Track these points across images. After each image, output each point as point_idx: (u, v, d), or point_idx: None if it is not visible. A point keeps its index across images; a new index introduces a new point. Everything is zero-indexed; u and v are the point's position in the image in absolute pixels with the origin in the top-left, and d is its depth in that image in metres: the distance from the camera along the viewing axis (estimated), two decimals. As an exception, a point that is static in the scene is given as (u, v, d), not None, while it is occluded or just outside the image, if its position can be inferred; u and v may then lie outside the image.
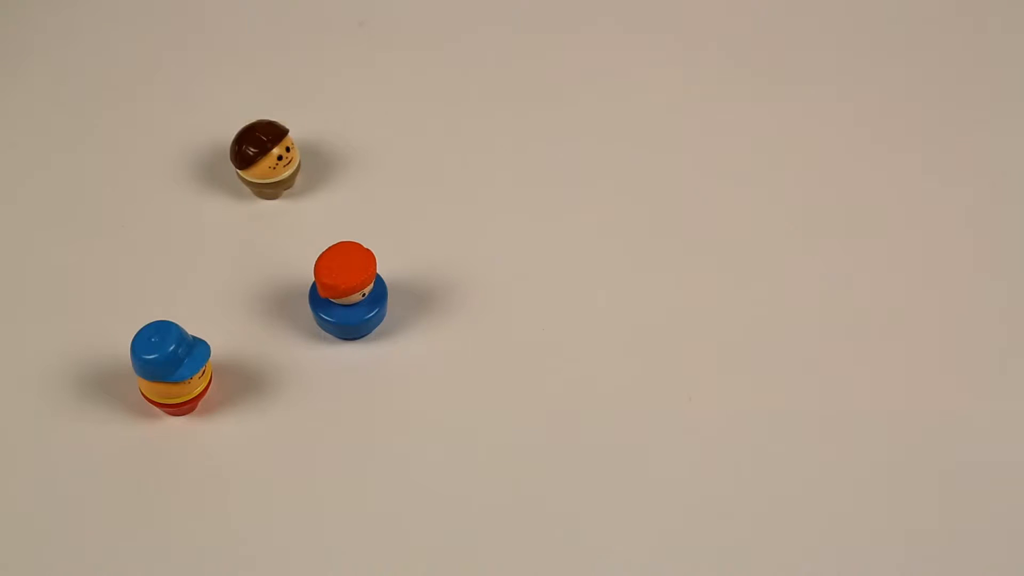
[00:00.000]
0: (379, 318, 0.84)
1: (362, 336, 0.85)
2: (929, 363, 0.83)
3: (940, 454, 0.79)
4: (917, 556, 0.76)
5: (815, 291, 0.87)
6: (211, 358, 0.79)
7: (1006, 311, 0.86)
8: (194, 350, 0.78)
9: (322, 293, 0.82)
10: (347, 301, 0.82)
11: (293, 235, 0.91)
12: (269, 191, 0.92)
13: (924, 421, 0.81)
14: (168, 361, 0.77)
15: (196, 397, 0.79)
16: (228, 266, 0.89)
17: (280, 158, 0.90)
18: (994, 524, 0.77)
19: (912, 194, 0.92)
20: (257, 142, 0.89)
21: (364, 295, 0.82)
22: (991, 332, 0.85)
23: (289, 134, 0.90)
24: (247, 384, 0.83)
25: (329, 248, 0.82)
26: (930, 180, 0.93)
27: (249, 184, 0.91)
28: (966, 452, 0.80)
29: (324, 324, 0.84)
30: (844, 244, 0.89)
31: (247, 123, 0.90)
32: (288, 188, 0.93)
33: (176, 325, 0.78)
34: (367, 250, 0.82)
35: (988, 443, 0.80)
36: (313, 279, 0.83)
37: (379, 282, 0.84)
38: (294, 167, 0.91)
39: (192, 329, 0.79)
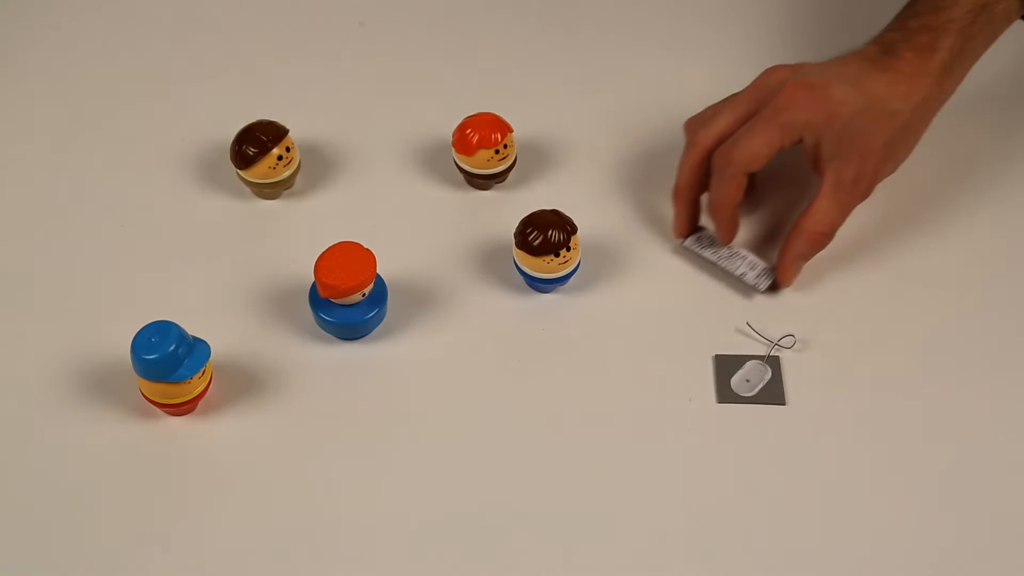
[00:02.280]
0: (379, 318, 0.84)
1: (362, 336, 0.85)
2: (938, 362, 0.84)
3: (945, 453, 0.80)
4: (920, 557, 0.76)
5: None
6: (211, 358, 0.79)
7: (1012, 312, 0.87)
8: (194, 350, 0.78)
9: (322, 293, 0.82)
10: (347, 301, 0.82)
11: (293, 235, 0.91)
12: (269, 191, 0.92)
13: (929, 419, 0.81)
14: (168, 361, 0.77)
15: (196, 397, 0.79)
16: (228, 266, 0.89)
17: (280, 158, 0.90)
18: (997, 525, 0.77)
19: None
20: (257, 142, 0.89)
21: (364, 295, 0.82)
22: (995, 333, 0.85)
23: (289, 134, 0.90)
24: (247, 384, 0.82)
25: (329, 248, 0.82)
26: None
27: (249, 184, 0.91)
28: (969, 451, 0.80)
29: (324, 324, 0.84)
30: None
31: (247, 123, 0.90)
32: (288, 188, 0.93)
33: (176, 325, 0.78)
34: (367, 250, 0.82)
35: (989, 443, 0.80)
36: (313, 279, 0.83)
37: (379, 282, 0.84)
38: (294, 167, 0.91)
39: (192, 329, 0.79)
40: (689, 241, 0.87)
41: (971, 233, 0.90)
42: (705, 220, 0.88)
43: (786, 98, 0.83)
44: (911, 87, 0.84)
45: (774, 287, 0.86)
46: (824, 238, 0.85)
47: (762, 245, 0.89)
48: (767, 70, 0.86)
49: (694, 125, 0.88)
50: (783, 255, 0.85)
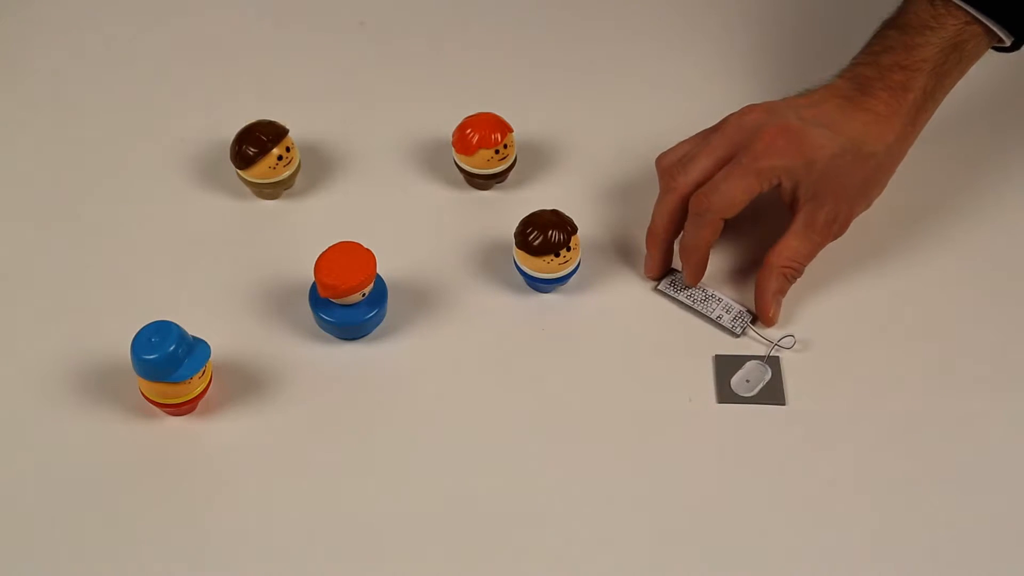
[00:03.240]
0: (379, 318, 0.84)
1: (362, 336, 0.85)
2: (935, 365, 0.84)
3: (944, 453, 0.80)
4: (920, 557, 0.76)
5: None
6: (211, 358, 0.79)
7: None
8: (194, 350, 0.78)
9: (322, 293, 0.82)
10: (347, 301, 0.82)
11: (293, 235, 0.91)
12: (269, 191, 0.92)
13: (928, 420, 0.81)
14: (168, 361, 0.77)
15: (196, 397, 0.79)
16: (228, 266, 0.89)
17: (280, 158, 0.90)
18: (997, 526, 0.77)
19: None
20: (257, 142, 0.89)
21: (364, 295, 0.82)
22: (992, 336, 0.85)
23: (289, 134, 0.90)
24: (247, 384, 0.82)
25: (329, 248, 0.82)
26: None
27: (249, 184, 0.91)
28: (972, 452, 0.80)
29: (324, 324, 0.84)
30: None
31: (247, 123, 0.90)
32: (288, 188, 0.93)
33: (176, 325, 0.78)
34: (367, 250, 0.82)
35: (988, 443, 0.80)
36: (313, 279, 0.83)
37: (379, 282, 0.84)
38: (294, 167, 0.91)
39: (192, 329, 0.79)
40: (663, 284, 0.87)
41: (972, 234, 0.90)
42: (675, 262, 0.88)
43: (765, 144, 0.82)
44: (885, 128, 0.84)
45: (754, 322, 0.86)
46: (794, 272, 0.85)
47: (734, 283, 0.88)
48: (742, 110, 0.85)
49: (668, 167, 0.86)
50: (761, 296, 0.84)
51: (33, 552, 0.76)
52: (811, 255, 0.85)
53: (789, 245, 0.84)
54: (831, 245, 0.86)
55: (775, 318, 0.85)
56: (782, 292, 0.85)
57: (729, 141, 0.84)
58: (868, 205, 0.86)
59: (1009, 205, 0.92)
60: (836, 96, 0.85)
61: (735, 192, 0.82)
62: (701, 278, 0.86)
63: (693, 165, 0.85)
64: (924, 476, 0.78)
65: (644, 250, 0.88)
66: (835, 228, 0.85)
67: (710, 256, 0.86)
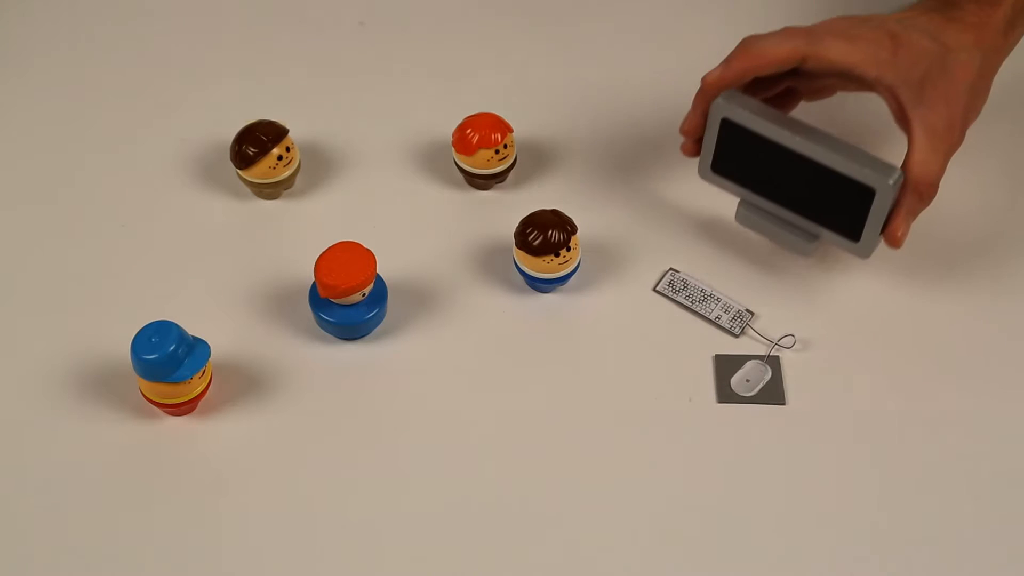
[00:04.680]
0: (379, 318, 0.84)
1: (362, 336, 0.85)
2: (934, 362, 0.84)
3: (944, 453, 0.80)
4: (919, 557, 0.76)
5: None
6: (211, 358, 0.79)
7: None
8: (194, 350, 0.78)
9: (322, 293, 0.82)
10: (347, 301, 0.82)
11: (293, 235, 0.91)
12: (269, 191, 0.92)
13: (928, 419, 0.81)
14: (168, 361, 0.77)
15: (196, 397, 0.79)
16: (228, 266, 0.89)
17: (280, 158, 0.90)
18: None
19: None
20: (257, 142, 0.89)
21: (364, 295, 0.82)
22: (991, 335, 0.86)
23: (289, 134, 0.90)
24: (247, 384, 0.82)
25: (329, 248, 0.82)
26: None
27: (249, 184, 0.91)
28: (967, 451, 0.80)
29: (324, 324, 0.84)
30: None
31: (247, 123, 0.90)
32: (288, 188, 0.93)
33: (176, 325, 0.78)
34: (367, 250, 0.82)
35: (989, 443, 0.80)
36: (313, 279, 0.83)
37: (379, 282, 0.84)
38: (294, 167, 0.91)
39: (192, 329, 0.79)
40: (662, 285, 0.87)
41: (972, 233, 0.90)
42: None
43: (851, 31, 0.80)
44: (979, 36, 0.81)
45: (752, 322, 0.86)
46: (931, 188, 0.80)
47: (734, 283, 0.88)
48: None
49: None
50: (892, 216, 0.80)
51: (33, 552, 0.76)
52: (941, 165, 0.80)
53: (918, 159, 0.79)
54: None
55: (901, 242, 0.81)
56: (914, 213, 0.81)
57: (814, 26, 0.82)
58: (976, 115, 0.83)
59: (1006, 201, 0.92)
60: (926, 11, 0.83)
61: (776, 40, 0.81)
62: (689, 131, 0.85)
63: (768, 34, 0.82)
64: (924, 476, 0.79)
65: (644, 251, 0.88)
66: (954, 135, 0.81)
67: (711, 255, 0.85)
